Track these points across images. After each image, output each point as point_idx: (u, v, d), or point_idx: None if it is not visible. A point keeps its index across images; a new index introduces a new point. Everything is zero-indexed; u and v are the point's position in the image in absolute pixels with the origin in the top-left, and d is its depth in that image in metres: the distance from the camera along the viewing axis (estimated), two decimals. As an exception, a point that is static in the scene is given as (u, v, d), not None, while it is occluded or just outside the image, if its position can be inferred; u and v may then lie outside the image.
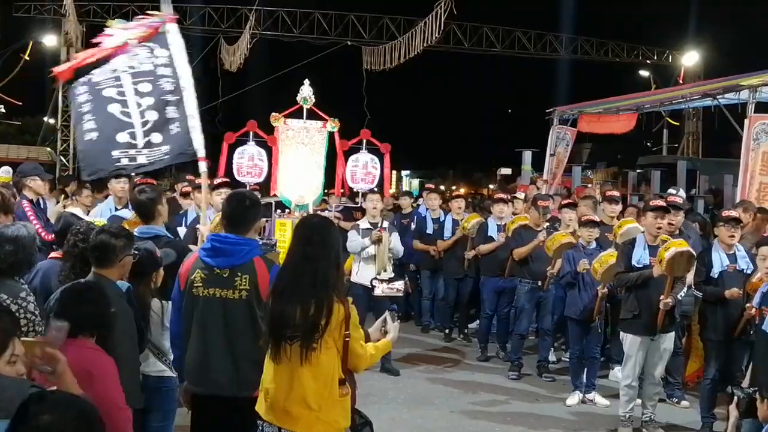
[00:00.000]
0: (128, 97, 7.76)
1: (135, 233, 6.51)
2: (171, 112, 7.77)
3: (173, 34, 7.97)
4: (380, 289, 10.98)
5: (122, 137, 7.65)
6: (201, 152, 7.76)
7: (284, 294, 4.76)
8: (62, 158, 33.93)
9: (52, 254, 6.80)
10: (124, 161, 7.71)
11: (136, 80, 7.79)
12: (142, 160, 7.75)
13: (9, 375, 3.57)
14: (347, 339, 4.79)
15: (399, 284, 11.15)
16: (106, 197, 11.99)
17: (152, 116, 7.71)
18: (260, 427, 4.87)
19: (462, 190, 44.31)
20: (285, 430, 4.74)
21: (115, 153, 7.67)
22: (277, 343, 4.74)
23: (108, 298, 4.78)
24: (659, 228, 9.04)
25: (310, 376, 4.69)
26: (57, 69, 8.36)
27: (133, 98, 7.76)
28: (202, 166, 7.89)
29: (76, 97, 7.82)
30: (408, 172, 78.06)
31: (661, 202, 9.46)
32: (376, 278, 11.01)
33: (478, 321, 13.46)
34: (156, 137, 7.72)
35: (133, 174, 9.69)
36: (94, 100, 7.76)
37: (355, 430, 4.97)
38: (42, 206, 10.54)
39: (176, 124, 7.77)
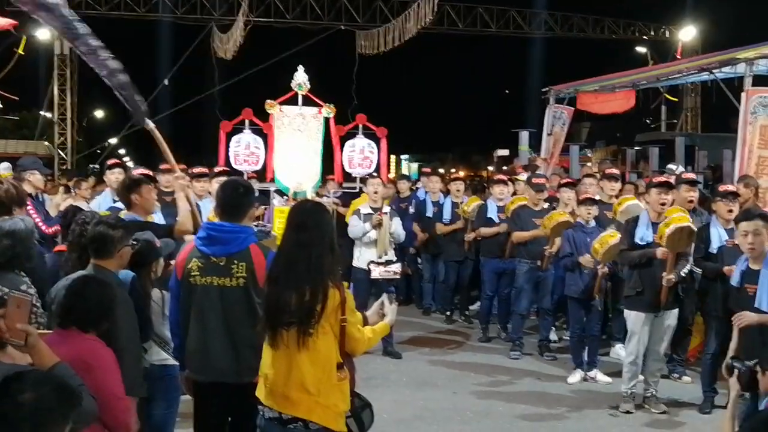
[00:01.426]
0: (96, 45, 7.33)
1: None
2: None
3: None
4: (377, 272, 11.01)
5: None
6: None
7: (280, 280, 4.78)
8: (60, 152, 34.01)
9: (58, 247, 6.87)
10: (144, 107, 7.51)
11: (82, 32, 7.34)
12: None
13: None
14: (344, 324, 4.81)
15: (396, 267, 11.17)
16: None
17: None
18: (261, 412, 4.91)
19: (461, 173, 44.29)
20: (285, 415, 4.77)
21: (137, 96, 7.40)
22: (274, 330, 4.77)
23: (111, 291, 4.80)
24: (663, 204, 8.99)
25: (307, 362, 4.71)
26: None
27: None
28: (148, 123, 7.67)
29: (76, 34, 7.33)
30: (407, 156, 78.02)
31: (665, 178, 9.43)
32: (372, 261, 11.03)
33: (478, 302, 13.49)
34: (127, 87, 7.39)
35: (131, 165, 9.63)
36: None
37: (354, 413, 4.98)
38: (40, 200, 10.58)
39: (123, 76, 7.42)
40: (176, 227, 7.28)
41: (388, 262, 11.08)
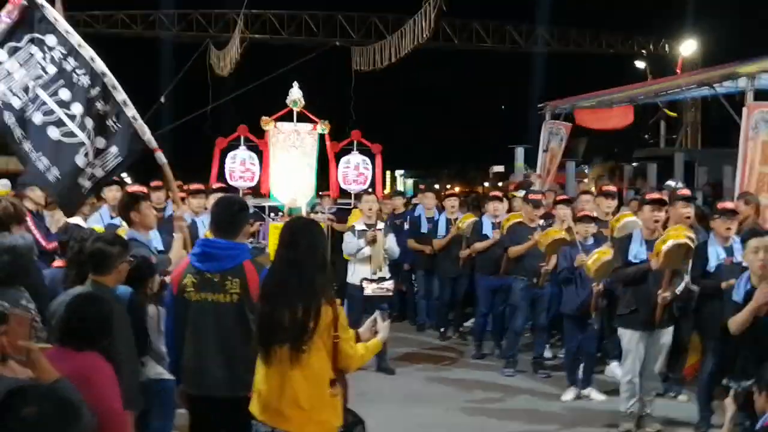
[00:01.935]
0: (58, 113, 7.16)
1: None
2: (100, 107, 7.24)
3: (48, 8, 7.32)
4: (370, 289, 10.98)
5: (80, 160, 7.16)
6: (153, 143, 7.52)
7: (272, 298, 4.81)
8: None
9: (56, 263, 6.88)
10: (88, 183, 7.30)
11: (51, 91, 7.19)
12: (98, 173, 7.29)
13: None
14: (336, 340, 4.82)
15: (389, 284, 11.14)
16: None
17: (88, 123, 7.18)
18: (255, 428, 4.92)
19: (456, 189, 44.09)
20: (278, 430, 4.79)
21: (81, 180, 7.25)
22: (267, 346, 4.78)
23: (109, 308, 4.81)
24: (656, 221, 8.93)
25: (300, 378, 4.73)
26: None
27: (62, 112, 7.17)
28: (160, 158, 7.62)
29: (8, 134, 7.21)
30: (402, 171, 77.95)
31: (657, 195, 9.37)
32: (365, 278, 11.01)
33: (473, 319, 13.47)
34: (100, 142, 7.25)
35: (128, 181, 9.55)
36: (30, 131, 7.18)
37: (347, 429, 5.00)
38: (41, 216, 10.56)
39: (112, 120, 7.27)
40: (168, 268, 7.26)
41: (381, 279, 11.05)
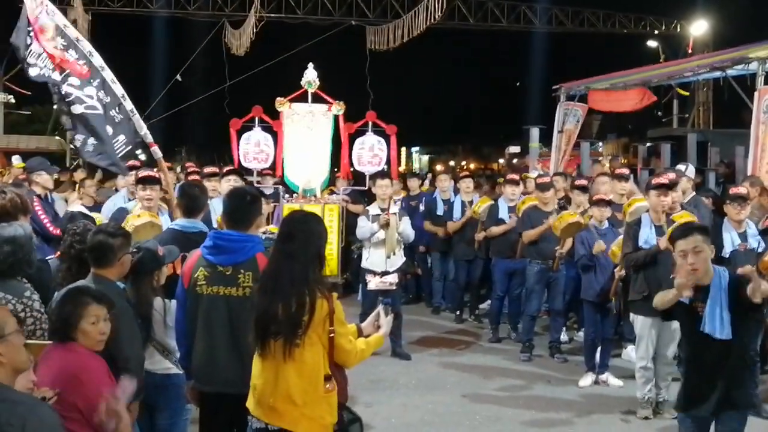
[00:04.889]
0: (77, 94, 7.61)
1: (177, 226, 6.89)
2: (102, 97, 7.60)
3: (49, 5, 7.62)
4: (373, 283, 10.97)
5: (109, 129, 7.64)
6: (149, 137, 7.67)
7: (267, 291, 4.80)
8: (72, 147, 34.10)
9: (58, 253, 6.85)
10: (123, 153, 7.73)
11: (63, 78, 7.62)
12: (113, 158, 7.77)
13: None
14: (332, 335, 4.81)
15: (392, 278, 11.07)
16: (115, 188, 12.18)
17: (98, 109, 7.62)
18: (250, 423, 4.93)
19: (472, 165, 43.93)
20: (272, 426, 4.79)
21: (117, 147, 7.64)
22: (263, 340, 4.77)
23: (75, 304, 4.74)
24: (663, 205, 8.90)
25: (294, 373, 4.73)
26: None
27: (79, 92, 7.61)
28: (157, 152, 7.82)
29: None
30: (417, 148, 77.92)
31: (662, 180, 9.30)
32: (369, 272, 11.03)
33: (488, 301, 13.44)
34: (109, 130, 7.63)
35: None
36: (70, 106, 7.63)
37: (342, 427, 4.98)
38: (50, 201, 10.55)
39: (114, 111, 7.60)
40: None
41: (385, 273, 11.01)
